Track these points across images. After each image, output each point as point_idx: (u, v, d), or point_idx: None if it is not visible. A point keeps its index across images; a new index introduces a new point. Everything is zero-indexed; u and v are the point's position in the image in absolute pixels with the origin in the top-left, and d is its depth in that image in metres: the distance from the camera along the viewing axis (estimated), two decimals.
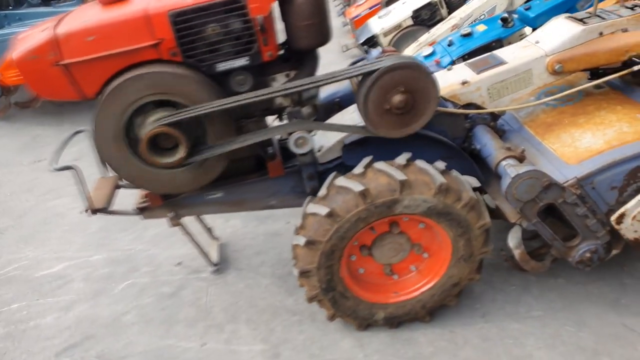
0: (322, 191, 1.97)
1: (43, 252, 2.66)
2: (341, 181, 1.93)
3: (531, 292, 2.37)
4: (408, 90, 1.82)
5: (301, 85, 1.82)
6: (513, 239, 2.11)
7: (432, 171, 1.92)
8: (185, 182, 1.95)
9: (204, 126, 1.87)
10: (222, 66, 1.80)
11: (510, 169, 1.87)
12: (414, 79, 1.82)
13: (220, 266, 2.64)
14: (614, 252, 2.10)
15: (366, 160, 1.97)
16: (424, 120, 1.92)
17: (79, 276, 2.76)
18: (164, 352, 2.22)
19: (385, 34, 5.34)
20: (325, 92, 2.22)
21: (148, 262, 2.75)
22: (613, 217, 1.97)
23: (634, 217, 1.95)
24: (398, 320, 2.21)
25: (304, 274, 2.02)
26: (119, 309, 2.47)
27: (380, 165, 1.94)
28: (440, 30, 4.65)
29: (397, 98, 1.82)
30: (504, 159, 1.94)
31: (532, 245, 2.20)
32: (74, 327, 2.43)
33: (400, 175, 1.87)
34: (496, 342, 2.14)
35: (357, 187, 1.86)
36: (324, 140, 2.20)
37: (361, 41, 5.61)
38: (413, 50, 4.60)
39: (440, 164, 1.98)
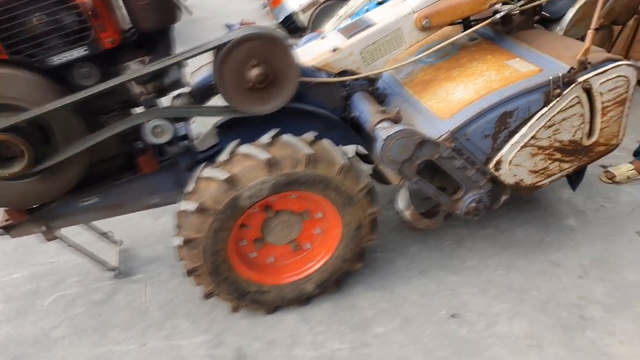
0: (190, 185, 1.89)
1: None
2: (207, 172, 1.86)
3: (464, 245, 2.46)
4: (263, 62, 1.75)
5: (144, 70, 1.71)
6: (402, 201, 2.15)
7: (299, 144, 1.88)
8: (38, 193, 1.79)
9: (51, 128, 1.71)
10: (58, 60, 1.63)
11: (382, 132, 1.86)
12: (268, 50, 1.75)
13: (122, 269, 2.52)
14: (504, 197, 2.18)
15: (232, 144, 1.90)
16: (288, 92, 1.86)
17: None
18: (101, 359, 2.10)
19: (304, 11, 5.33)
20: (200, 76, 2.08)
21: (76, 272, 2.58)
22: (491, 165, 2.03)
23: (510, 162, 2.02)
24: (307, 296, 2.20)
25: (192, 272, 1.98)
26: (47, 324, 2.30)
27: (245, 148, 1.87)
28: (358, 2, 4.67)
29: (254, 72, 1.74)
30: (378, 122, 1.91)
31: (428, 204, 2.27)
32: None
33: (264, 155, 1.81)
34: (434, 295, 2.20)
35: (223, 175, 1.80)
36: (203, 127, 2.14)
37: (279, 20, 5.56)
38: (333, 25, 4.61)
39: (310, 135, 1.96)
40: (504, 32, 2.30)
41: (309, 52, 2.17)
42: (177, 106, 2.00)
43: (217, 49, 1.74)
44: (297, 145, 1.86)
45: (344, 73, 2.12)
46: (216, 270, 1.98)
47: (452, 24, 2.23)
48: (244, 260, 2.11)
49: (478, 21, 2.16)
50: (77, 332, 2.24)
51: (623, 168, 2.81)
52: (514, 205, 2.68)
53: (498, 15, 2.11)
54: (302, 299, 2.19)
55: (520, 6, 2.15)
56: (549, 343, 1.94)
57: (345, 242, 2.09)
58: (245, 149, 1.86)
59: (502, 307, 2.10)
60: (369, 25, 2.15)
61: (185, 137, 2.11)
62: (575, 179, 2.38)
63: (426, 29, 2.12)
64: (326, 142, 1.97)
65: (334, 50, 2.10)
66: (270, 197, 1.92)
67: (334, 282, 2.20)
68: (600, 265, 2.26)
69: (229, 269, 2.01)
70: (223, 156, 1.88)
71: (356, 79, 2.13)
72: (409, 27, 2.12)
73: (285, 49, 1.78)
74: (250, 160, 1.84)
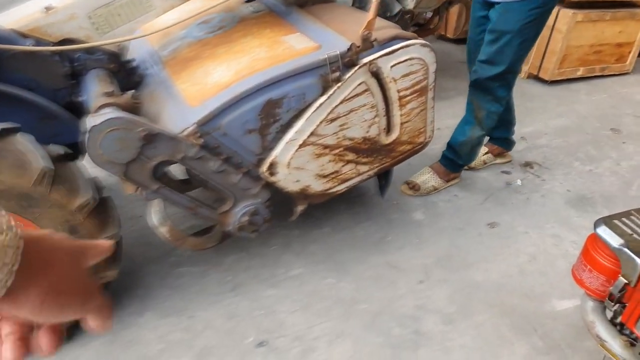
0: None
1: None
2: None
3: (292, 249, 2.02)
4: None
5: None
6: (154, 214, 1.65)
7: (39, 151, 1.34)
8: None
9: None
10: None
11: (89, 120, 1.35)
12: None
13: None
14: (300, 207, 1.76)
15: None
16: None
17: None
18: None
19: None
20: None
21: None
22: (263, 168, 1.58)
23: (288, 165, 1.59)
24: None
25: None
26: None
27: None
28: None
29: None
30: (99, 108, 1.38)
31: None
32: None
33: None
34: (244, 317, 1.72)
35: None
36: None
37: None
38: None
39: (58, 149, 1.44)
40: (296, 5, 1.85)
41: (13, 15, 1.56)
42: None
43: None
44: None
45: (66, 42, 1.54)
46: None
47: None
48: None
49: None
50: None
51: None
52: (359, 198, 2.30)
53: None
54: None
55: None
56: None
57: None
58: None
59: (323, 327, 1.68)
60: None
61: None
62: (383, 183, 2.03)
63: None
64: (23, 138, 1.37)
65: (47, 10, 1.50)
66: None
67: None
68: (444, 265, 1.93)
69: None
70: None
71: (88, 52, 1.57)
72: None
73: None
74: None
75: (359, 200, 2.28)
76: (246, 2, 1.90)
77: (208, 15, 1.80)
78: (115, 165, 1.39)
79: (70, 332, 1.62)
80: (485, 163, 2.51)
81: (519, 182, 2.45)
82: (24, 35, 1.48)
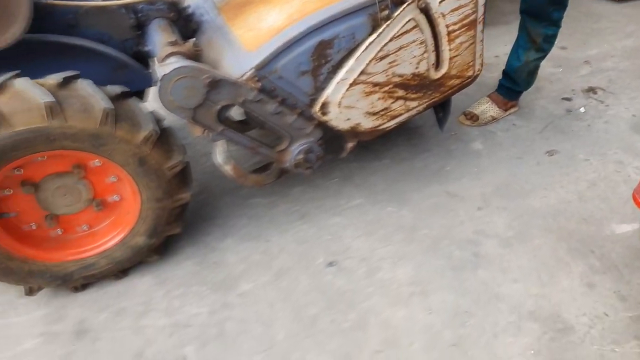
0: None
1: None
2: None
3: (353, 180, 2.14)
4: None
5: None
6: (219, 154, 1.76)
7: (34, 90, 1.43)
8: None
9: None
10: None
11: (159, 70, 1.46)
12: None
13: None
14: (349, 144, 1.84)
15: (6, 75, 1.45)
16: (19, 21, 1.40)
17: None
18: None
19: None
20: None
21: None
22: (316, 108, 1.65)
23: (339, 104, 1.65)
24: (40, 284, 1.80)
25: None
26: None
27: (23, 81, 1.43)
28: None
29: None
30: (165, 57, 1.48)
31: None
32: None
33: (47, 97, 1.40)
34: (313, 242, 1.90)
35: None
36: None
37: None
38: None
39: (56, 76, 1.50)
40: None
41: None
42: None
43: None
44: (30, 93, 1.41)
45: None
46: None
47: None
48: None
49: None
50: None
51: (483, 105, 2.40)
52: (417, 130, 2.35)
53: None
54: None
55: None
56: (434, 288, 1.68)
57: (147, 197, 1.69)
58: (22, 83, 1.41)
59: (387, 251, 1.82)
60: None
61: None
62: (442, 116, 2.05)
63: None
64: (83, 84, 1.49)
65: None
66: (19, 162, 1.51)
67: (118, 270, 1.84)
68: (502, 193, 1.99)
69: None
70: None
71: (146, 1, 1.66)
72: None
73: None
74: (25, 98, 1.39)
75: (418, 132, 2.34)
76: None
77: None
78: (184, 110, 1.52)
79: (162, 252, 1.87)
80: (494, 119, 2.39)
81: (582, 109, 2.40)
82: None
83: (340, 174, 2.17)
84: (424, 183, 2.07)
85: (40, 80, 1.46)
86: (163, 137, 1.62)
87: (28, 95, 1.41)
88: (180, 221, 1.82)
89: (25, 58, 1.51)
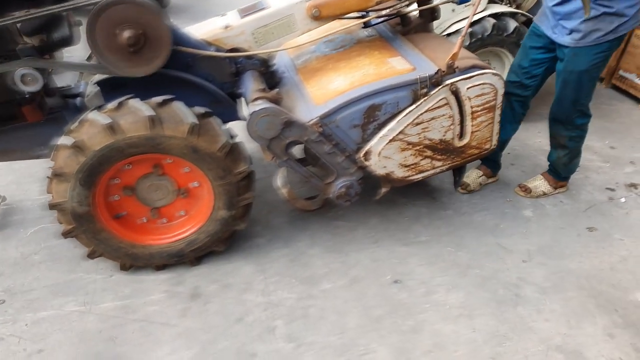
0: (75, 124, 2.00)
1: None
2: (92, 114, 1.97)
3: (421, 221, 2.60)
4: (135, 26, 1.85)
5: (14, 18, 1.82)
6: (280, 179, 2.27)
7: (186, 111, 1.98)
8: None
9: None
10: None
11: (251, 107, 1.98)
12: (139, 15, 1.85)
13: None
14: (383, 190, 2.28)
15: (125, 97, 2.01)
16: (161, 57, 1.96)
17: None
18: (71, 284, 2.29)
19: None
20: None
21: None
22: (360, 155, 2.13)
23: (379, 154, 2.12)
24: (163, 262, 2.31)
25: (54, 206, 2.07)
26: (27, 250, 2.51)
27: (134, 102, 1.98)
28: None
29: (125, 34, 1.85)
30: (254, 99, 2.01)
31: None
32: None
33: (149, 111, 1.93)
34: (384, 261, 2.35)
35: (106, 120, 1.91)
36: (93, 87, 2.27)
37: None
38: None
39: (200, 108, 2.06)
40: (401, 33, 2.42)
41: (203, 28, 2.29)
42: (54, 60, 2.14)
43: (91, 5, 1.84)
44: (183, 112, 1.97)
45: (235, 50, 2.21)
46: (81, 211, 2.07)
47: (341, 17, 2.29)
48: (110, 211, 2.21)
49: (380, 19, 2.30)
50: (55, 259, 2.43)
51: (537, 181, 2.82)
52: (479, 192, 2.81)
53: (364, 20, 2.27)
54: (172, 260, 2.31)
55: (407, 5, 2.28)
56: (479, 314, 2.08)
57: (217, 205, 2.18)
58: (134, 102, 1.97)
59: (443, 279, 2.25)
60: (263, 8, 2.24)
61: (80, 94, 2.29)
62: (457, 178, 2.54)
63: (316, 18, 2.20)
64: (177, 104, 2.02)
65: (226, 27, 2.20)
66: (149, 155, 2.03)
67: (194, 257, 2.31)
68: (545, 253, 2.39)
69: (92, 213, 2.10)
70: (112, 104, 1.98)
71: (250, 58, 2.24)
72: (301, 15, 2.21)
73: (155, 15, 1.88)
74: (135, 113, 1.94)
75: (479, 193, 2.79)
76: (363, 28, 2.52)
77: (333, 35, 2.42)
78: (263, 139, 2.04)
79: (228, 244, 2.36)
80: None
81: (622, 199, 2.79)
82: (209, 43, 2.21)
83: (411, 214, 2.64)
84: (480, 234, 2.50)
85: (147, 100, 2.00)
86: (234, 149, 2.10)
87: (137, 110, 1.95)
88: (247, 216, 2.27)
89: (151, 84, 2.06)
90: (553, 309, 2.09)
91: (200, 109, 2.08)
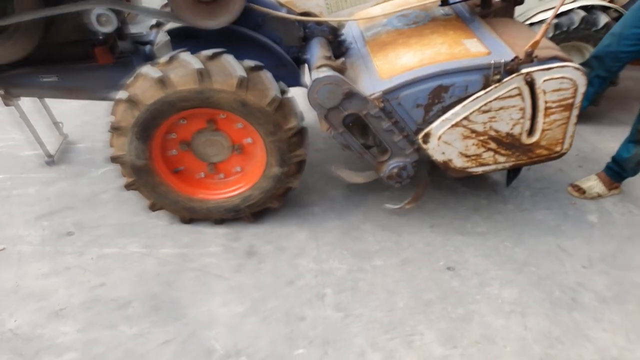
0: (130, 79, 2.03)
1: (29, 136, 2.81)
2: (145, 69, 1.99)
3: (480, 213, 2.55)
4: None
5: None
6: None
7: (235, 64, 1.96)
8: None
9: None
10: None
11: (314, 73, 1.92)
12: None
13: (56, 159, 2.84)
14: (407, 205, 2.24)
15: (178, 51, 2.01)
16: (233, 12, 1.94)
17: (63, 159, 2.92)
18: (135, 226, 2.41)
19: None
20: None
21: None
22: (419, 135, 2.02)
23: (439, 138, 2.00)
24: (220, 216, 2.35)
25: (115, 159, 2.13)
26: (97, 188, 2.64)
27: (185, 55, 1.98)
28: None
29: None
30: (319, 66, 1.96)
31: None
32: (54, 198, 2.60)
33: (198, 64, 1.92)
34: (438, 247, 2.33)
35: (157, 73, 1.93)
36: (163, 36, 2.29)
37: None
38: None
39: (250, 62, 2.03)
40: (480, 15, 2.29)
41: None
42: (127, 3, 2.15)
43: None
44: (232, 65, 1.96)
45: (306, 15, 2.17)
46: (139, 165, 2.13)
47: None
48: (168, 165, 2.26)
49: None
50: (122, 201, 2.56)
51: (591, 181, 2.69)
52: (542, 190, 2.71)
53: None
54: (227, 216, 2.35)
55: None
56: (532, 313, 2.03)
57: (270, 155, 2.18)
58: (185, 56, 1.98)
59: (498, 273, 2.20)
60: None
61: (150, 42, 2.32)
62: (512, 175, 2.42)
63: None
64: (226, 57, 2.00)
65: None
66: (196, 110, 2.05)
67: (250, 213, 2.35)
68: (608, 261, 2.29)
69: (150, 167, 2.16)
70: (164, 58, 2.00)
71: (319, 24, 2.19)
72: None
73: None
74: (185, 66, 1.95)
75: (542, 191, 2.70)
76: (440, 5, 2.40)
77: (407, 10, 2.33)
78: (322, 108, 1.99)
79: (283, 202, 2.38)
80: (599, 195, 2.68)
81: None
82: (281, 5, 2.18)
83: (470, 204, 2.59)
84: (540, 232, 2.42)
85: (197, 54, 2.01)
86: (284, 104, 2.08)
87: (187, 64, 1.96)
88: (300, 174, 2.29)
89: (220, 39, 2.07)
90: (612, 320, 2.02)
91: (250, 62, 2.06)
